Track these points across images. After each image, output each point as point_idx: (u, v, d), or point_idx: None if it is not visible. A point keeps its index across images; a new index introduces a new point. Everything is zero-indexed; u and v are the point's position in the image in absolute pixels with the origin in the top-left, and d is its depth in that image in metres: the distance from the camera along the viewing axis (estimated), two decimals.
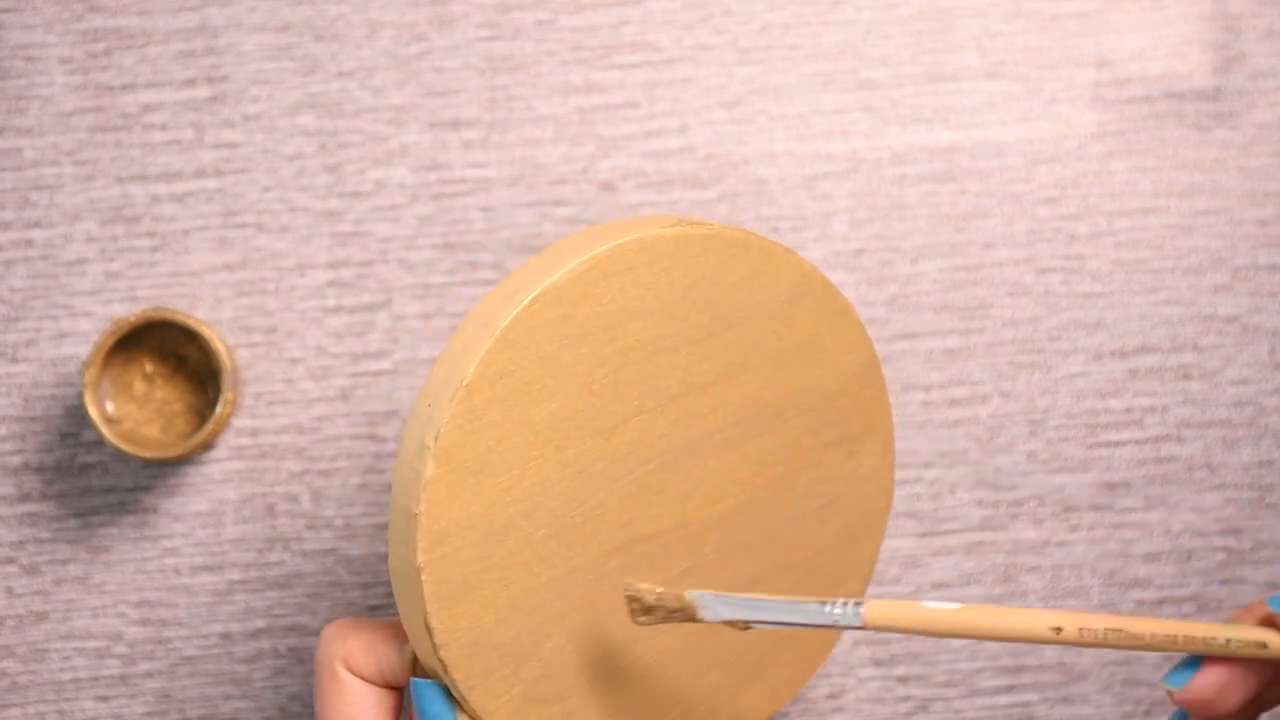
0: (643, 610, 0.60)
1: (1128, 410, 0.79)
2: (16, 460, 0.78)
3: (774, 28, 0.79)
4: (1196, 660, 0.58)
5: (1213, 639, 0.57)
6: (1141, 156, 0.79)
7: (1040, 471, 0.79)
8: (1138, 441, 0.79)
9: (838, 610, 0.58)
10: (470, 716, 0.60)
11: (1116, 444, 0.79)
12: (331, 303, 0.78)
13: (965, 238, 0.79)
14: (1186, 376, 0.79)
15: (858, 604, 0.58)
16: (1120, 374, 0.79)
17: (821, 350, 0.67)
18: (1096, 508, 0.79)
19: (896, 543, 0.79)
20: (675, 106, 0.79)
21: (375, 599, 0.78)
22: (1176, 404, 0.79)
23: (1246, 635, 0.57)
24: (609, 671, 0.63)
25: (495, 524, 0.59)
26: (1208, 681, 0.58)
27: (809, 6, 0.79)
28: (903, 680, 0.79)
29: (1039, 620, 0.57)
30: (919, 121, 0.79)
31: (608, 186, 0.79)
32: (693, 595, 0.60)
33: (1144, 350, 0.79)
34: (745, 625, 0.60)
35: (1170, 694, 0.58)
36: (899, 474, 0.79)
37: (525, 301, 0.58)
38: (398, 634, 0.62)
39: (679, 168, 0.79)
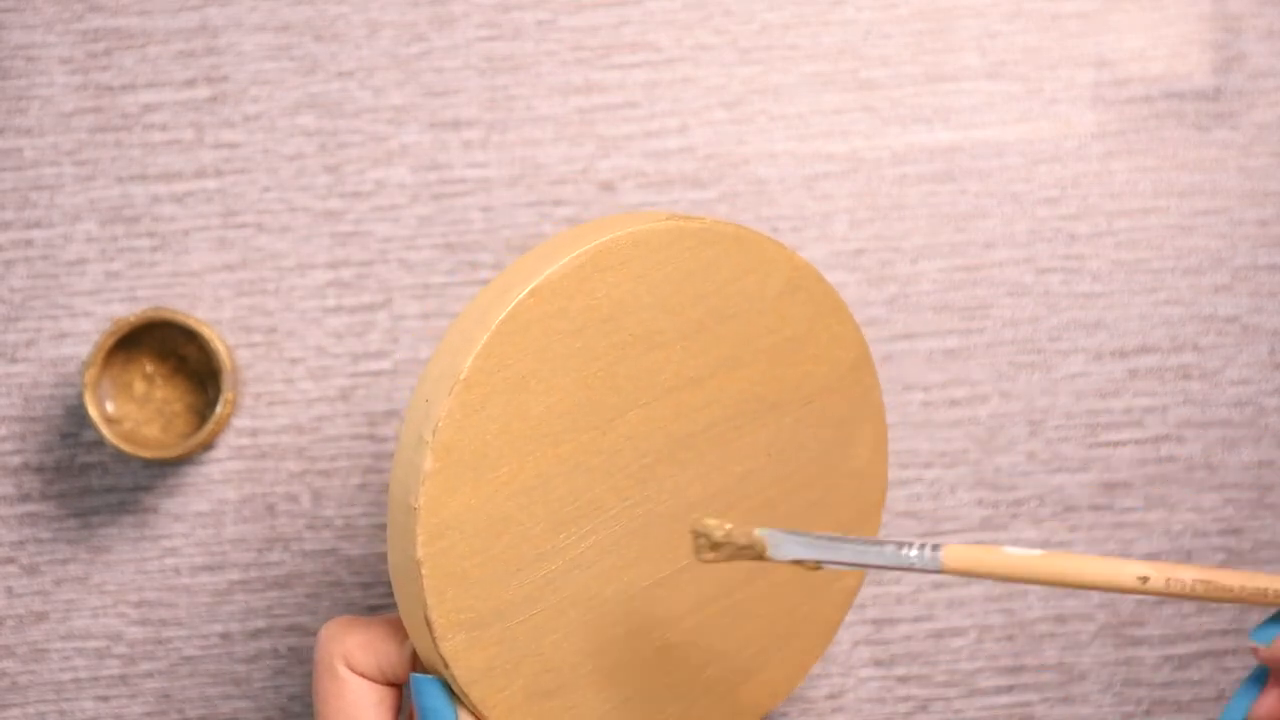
0: (709, 546, 0.58)
1: (1128, 410, 0.79)
2: (16, 460, 0.78)
3: (774, 28, 0.79)
4: None
5: None
6: (1141, 156, 0.79)
7: (1040, 471, 0.79)
8: (1138, 441, 0.79)
9: (914, 553, 0.56)
10: (471, 711, 0.60)
11: (1116, 444, 0.79)
12: (331, 303, 0.78)
13: (965, 238, 0.79)
14: (1186, 376, 0.79)
15: (935, 547, 0.55)
16: (1120, 374, 0.79)
17: (815, 345, 0.67)
18: (1096, 508, 0.79)
19: None
20: (675, 106, 0.79)
21: (375, 599, 0.78)
22: (1176, 404, 0.79)
23: None
24: (609, 666, 0.63)
25: (493, 518, 0.59)
26: None
27: (809, 6, 0.79)
28: (903, 680, 0.79)
29: (1125, 570, 0.54)
30: (919, 121, 0.79)
31: (608, 186, 0.79)
32: (762, 532, 0.57)
33: (1144, 350, 0.79)
34: (816, 565, 0.57)
35: (1255, 650, 0.56)
36: (899, 474, 0.79)
37: (520, 296, 0.58)
38: (397, 631, 0.62)
39: (679, 168, 0.79)
